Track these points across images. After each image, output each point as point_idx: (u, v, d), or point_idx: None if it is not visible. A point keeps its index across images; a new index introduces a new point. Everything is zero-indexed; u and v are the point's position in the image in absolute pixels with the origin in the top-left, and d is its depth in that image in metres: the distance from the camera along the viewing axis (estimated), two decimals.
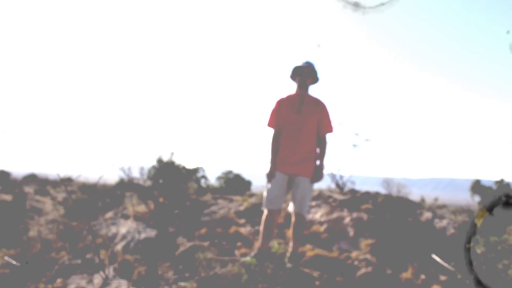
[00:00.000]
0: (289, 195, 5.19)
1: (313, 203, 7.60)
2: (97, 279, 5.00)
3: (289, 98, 5.10)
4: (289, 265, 4.84)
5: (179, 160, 9.55)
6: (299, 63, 5.05)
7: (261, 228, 5.05)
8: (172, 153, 9.47)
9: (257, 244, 5.26)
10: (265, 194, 5.01)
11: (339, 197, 7.58)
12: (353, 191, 8.41)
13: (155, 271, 4.90)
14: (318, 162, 5.06)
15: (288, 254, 5.05)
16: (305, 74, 5.02)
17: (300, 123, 4.93)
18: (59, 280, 5.30)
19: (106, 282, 4.81)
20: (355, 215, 6.62)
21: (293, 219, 5.04)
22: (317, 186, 9.12)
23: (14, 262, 5.79)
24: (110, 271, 5.05)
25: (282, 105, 5.07)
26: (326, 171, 5.44)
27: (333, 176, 9.79)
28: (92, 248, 6.22)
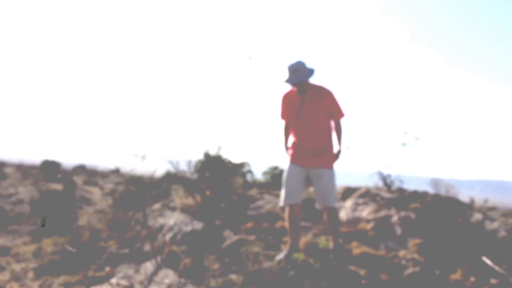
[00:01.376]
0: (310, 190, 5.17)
1: (360, 200, 7.51)
2: (144, 268, 5.12)
3: (292, 93, 4.97)
4: (334, 260, 4.80)
5: (226, 155, 9.62)
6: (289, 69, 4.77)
7: (287, 225, 5.03)
8: (219, 147, 9.55)
9: (288, 240, 5.23)
10: (282, 191, 4.98)
11: (387, 195, 7.44)
12: (401, 190, 8.23)
13: (202, 263, 4.98)
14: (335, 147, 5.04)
15: (331, 250, 5.02)
16: (302, 77, 4.75)
17: (307, 116, 4.84)
18: (107, 268, 5.48)
19: (153, 271, 4.92)
20: (403, 213, 6.49)
21: (324, 214, 4.99)
22: (364, 183, 9.01)
23: (70, 248, 6.02)
24: (157, 261, 5.16)
25: (286, 100, 5.01)
26: (346, 155, 5.39)
27: (380, 174, 9.63)
28: (139, 239, 6.39)
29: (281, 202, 5.00)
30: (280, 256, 4.88)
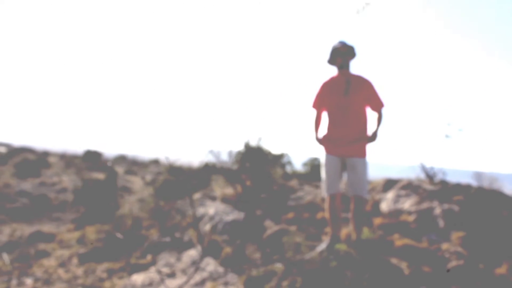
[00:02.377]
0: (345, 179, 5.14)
1: (402, 192, 7.38)
2: (186, 256, 5.18)
3: (333, 80, 5.06)
4: (354, 250, 4.77)
5: (266, 146, 9.65)
6: (334, 44, 5.05)
7: (327, 215, 5.04)
8: (260, 138, 9.58)
9: (329, 231, 5.21)
10: (322, 179, 5.02)
11: (429, 187, 7.28)
12: (443, 182, 8.04)
13: (243, 252, 5.00)
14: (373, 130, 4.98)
15: (354, 240, 4.97)
16: (344, 54, 4.97)
17: (347, 104, 4.89)
18: (149, 256, 5.58)
19: (195, 260, 4.97)
20: (446, 206, 6.34)
21: (352, 203, 4.95)
22: (406, 175, 8.85)
23: (115, 235, 6.16)
24: (198, 250, 5.22)
25: (327, 88, 5.05)
26: (381, 141, 5.32)
27: (423, 166, 9.45)
28: (180, 227, 6.47)
29: (323, 193, 5.03)
30: (322, 246, 4.88)
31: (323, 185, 5.02)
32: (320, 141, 5.10)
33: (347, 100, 4.89)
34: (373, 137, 4.92)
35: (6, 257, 5.95)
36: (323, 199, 7.80)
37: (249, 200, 7.52)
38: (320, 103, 5.12)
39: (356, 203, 4.89)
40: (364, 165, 4.90)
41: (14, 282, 5.14)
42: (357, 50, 5.00)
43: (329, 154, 4.98)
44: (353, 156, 4.89)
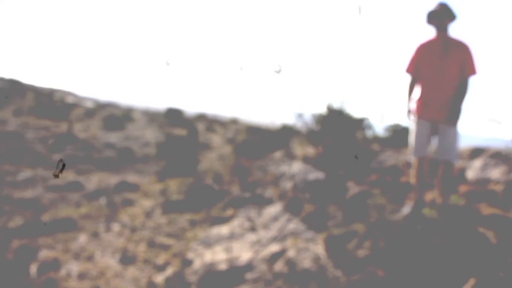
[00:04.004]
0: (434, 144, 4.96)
1: (490, 161, 7.03)
2: (267, 212, 5.25)
3: (431, 43, 4.85)
4: (439, 216, 4.63)
5: (349, 109, 9.53)
6: (433, 6, 4.82)
7: (413, 179, 4.95)
8: (342, 101, 9.47)
9: (413, 195, 5.09)
10: (411, 142, 4.88)
11: None
12: None
13: (324, 211, 4.98)
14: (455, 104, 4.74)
15: (439, 205, 4.81)
16: (442, 16, 4.70)
17: (443, 68, 4.70)
18: (230, 210, 5.70)
19: (275, 216, 5.03)
20: None
21: (440, 168, 4.78)
22: (495, 144, 8.38)
23: (200, 188, 6.35)
24: (279, 206, 5.26)
25: (423, 50, 4.87)
26: (463, 114, 5.08)
27: None
28: (261, 184, 6.55)
29: (410, 156, 4.96)
30: (406, 210, 4.82)
31: (411, 148, 4.92)
32: (413, 104, 4.98)
33: (443, 64, 4.74)
34: (457, 114, 4.74)
35: (103, 200, 6.34)
36: (408, 164, 7.61)
37: (331, 161, 7.45)
38: (415, 66, 4.98)
39: (444, 168, 4.77)
40: (455, 130, 4.75)
41: (102, 226, 5.45)
42: (457, 13, 4.78)
43: (421, 117, 4.88)
44: (443, 121, 4.75)
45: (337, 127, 9.33)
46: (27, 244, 4.72)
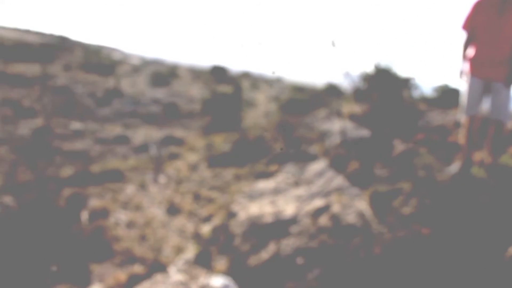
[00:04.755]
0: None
1: None
2: (311, 169, 5.23)
3: (487, 3, 4.57)
4: (487, 176, 4.50)
5: (396, 68, 9.33)
6: None
7: (462, 137, 4.80)
8: (389, 61, 9.27)
9: (461, 155, 4.95)
10: (462, 100, 4.71)
11: None
12: None
13: (369, 169, 4.92)
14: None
15: (486, 165, 4.67)
16: None
17: (499, 26, 4.49)
18: (273, 166, 5.72)
19: (319, 172, 5.01)
20: None
21: (491, 128, 4.61)
22: None
23: (245, 144, 6.37)
24: (323, 163, 5.23)
25: (479, 8, 4.62)
26: None
27: None
28: (305, 141, 6.52)
29: (461, 114, 4.80)
30: (454, 169, 4.72)
31: (462, 106, 4.77)
32: (466, 63, 4.81)
33: (500, 21, 4.53)
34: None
35: (154, 147, 6.49)
36: (457, 123, 7.42)
37: (376, 119, 7.33)
38: (471, 24, 4.78)
39: (495, 128, 4.62)
40: (508, 90, 4.57)
41: (149, 178, 5.58)
42: None
43: (473, 76, 4.71)
44: (497, 80, 4.57)
45: (384, 86, 9.15)
46: (77, 193, 4.89)
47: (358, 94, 8.78)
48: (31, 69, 13.33)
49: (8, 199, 4.39)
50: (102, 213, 4.49)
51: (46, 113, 8.67)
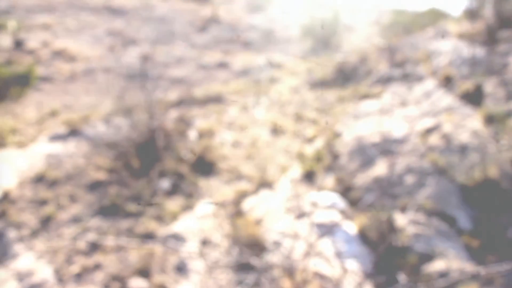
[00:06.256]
0: None
1: None
2: (417, 89, 5.00)
3: None
4: None
5: None
6: None
7: None
8: None
9: None
10: None
11: None
12: None
13: (481, 88, 4.60)
14: None
15: None
16: None
17: None
18: (377, 88, 5.52)
19: (428, 92, 4.77)
20: None
21: None
22: None
23: (346, 66, 6.17)
24: (432, 83, 4.97)
25: None
26: None
27: None
28: (411, 62, 6.20)
29: None
30: None
31: None
32: None
33: None
34: None
35: (254, 72, 6.53)
36: None
37: (490, 37, 6.76)
38: None
39: None
40: None
41: (251, 101, 5.63)
42: None
43: None
44: None
45: (496, 4, 8.41)
46: (183, 115, 5.05)
47: (469, 13, 8.16)
48: (132, 0, 13.65)
49: (119, 120, 4.62)
50: (208, 133, 4.62)
51: (149, 42, 8.92)
